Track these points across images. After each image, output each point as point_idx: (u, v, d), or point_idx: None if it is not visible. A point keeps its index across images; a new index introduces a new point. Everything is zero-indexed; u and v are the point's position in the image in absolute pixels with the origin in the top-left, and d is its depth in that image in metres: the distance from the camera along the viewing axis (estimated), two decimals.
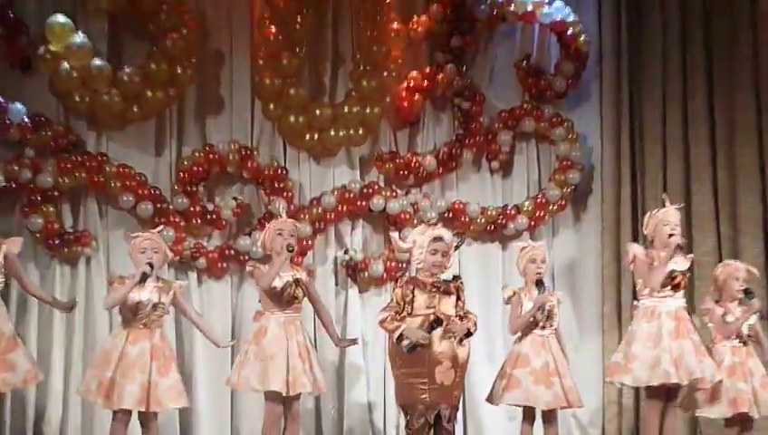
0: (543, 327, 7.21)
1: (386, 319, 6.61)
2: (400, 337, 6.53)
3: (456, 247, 6.87)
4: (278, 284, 6.90)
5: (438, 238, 6.69)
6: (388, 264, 8.73)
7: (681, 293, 7.16)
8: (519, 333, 7.24)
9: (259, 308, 7.08)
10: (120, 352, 6.73)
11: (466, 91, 9.12)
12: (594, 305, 9.12)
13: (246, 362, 6.97)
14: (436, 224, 7.29)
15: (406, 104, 9.00)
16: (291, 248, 6.92)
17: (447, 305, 6.65)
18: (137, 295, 6.75)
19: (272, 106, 8.70)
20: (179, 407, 7.00)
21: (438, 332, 6.52)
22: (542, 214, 9.15)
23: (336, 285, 8.78)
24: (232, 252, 8.61)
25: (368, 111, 8.76)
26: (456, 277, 6.78)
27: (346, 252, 8.81)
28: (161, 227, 7.45)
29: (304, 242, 8.47)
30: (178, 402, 6.88)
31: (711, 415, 7.46)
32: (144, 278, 6.76)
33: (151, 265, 6.84)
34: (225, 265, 8.62)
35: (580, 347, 8.82)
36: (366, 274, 8.77)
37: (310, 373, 6.95)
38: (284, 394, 6.84)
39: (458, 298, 6.69)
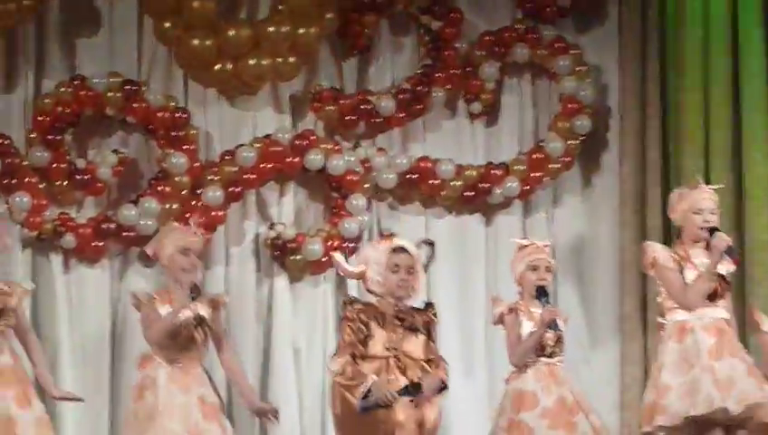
0: (551, 354, 6.36)
1: (344, 370, 5.75)
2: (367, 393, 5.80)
3: (427, 262, 6.11)
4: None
5: (399, 249, 5.89)
6: (330, 243, 7.58)
7: (723, 301, 6.31)
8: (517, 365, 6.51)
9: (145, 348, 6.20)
10: None
11: (437, 5, 8.08)
12: (610, 302, 8.14)
13: (129, 424, 6.18)
14: (392, 235, 6.39)
15: (353, 23, 7.94)
16: (194, 294, 6.10)
17: (413, 346, 5.82)
18: None
19: (167, 24, 7.50)
20: None
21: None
22: (539, 175, 8.09)
23: (258, 271, 7.74)
24: (112, 226, 7.42)
25: (301, 31, 7.58)
26: (428, 305, 6.01)
27: (272, 226, 7.70)
28: None
29: (213, 213, 7.32)
30: None
31: None
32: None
33: None
34: (101, 243, 7.43)
35: (591, 359, 7.87)
36: (299, 256, 7.66)
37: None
38: None
39: (429, 337, 5.90)
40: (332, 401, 5.90)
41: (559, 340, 6.37)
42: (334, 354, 5.87)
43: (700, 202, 6.40)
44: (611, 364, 7.92)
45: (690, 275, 6.29)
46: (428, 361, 5.81)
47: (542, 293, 6.39)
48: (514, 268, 6.54)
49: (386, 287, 5.87)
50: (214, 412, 6.18)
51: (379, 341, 5.83)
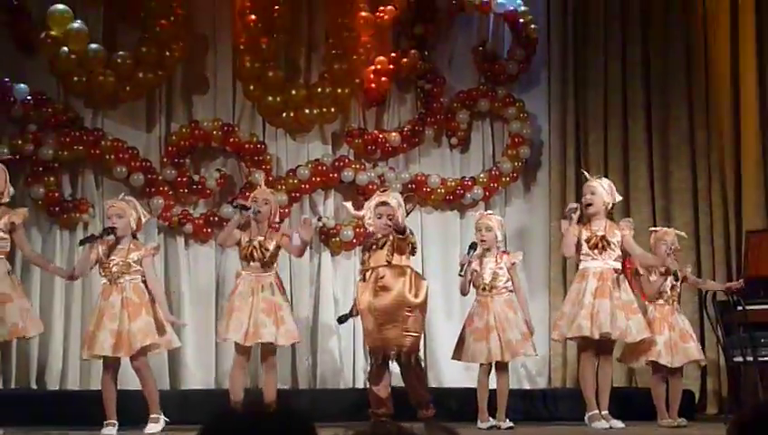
0: (485, 289, 7.62)
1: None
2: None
3: (407, 212, 7.14)
4: (242, 243, 7.32)
5: (382, 203, 7.00)
6: (358, 230, 9.15)
7: (608, 254, 7.47)
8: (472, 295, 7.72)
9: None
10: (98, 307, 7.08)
11: (428, 73, 9.57)
12: (542, 268, 9.60)
13: (222, 316, 7.52)
14: (385, 191, 7.47)
15: (373, 85, 9.42)
16: (236, 205, 7.33)
17: (378, 257, 7.02)
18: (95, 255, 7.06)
19: (252, 87, 9.16)
20: (150, 344, 7.07)
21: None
22: (495, 185, 9.61)
23: (311, 248, 9.05)
24: (216, 218, 9.03)
25: (339, 91, 9.20)
26: (403, 232, 6.95)
27: (319, 219, 9.17)
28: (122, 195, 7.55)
29: (282, 210, 8.67)
30: (150, 340, 7.02)
31: (636, 365, 8.10)
32: (106, 235, 7.01)
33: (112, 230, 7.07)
34: (209, 230, 9.05)
35: (531, 305, 8.73)
36: (337, 239, 9.23)
37: (275, 327, 7.24)
38: (242, 344, 7.22)
39: (394, 249, 6.97)
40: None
41: (493, 278, 7.50)
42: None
43: (588, 188, 7.63)
44: (543, 309, 9.31)
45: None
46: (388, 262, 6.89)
47: (472, 246, 7.49)
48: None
49: (375, 228, 7.05)
50: (273, 308, 7.18)
51: (372, 258, 7.06)
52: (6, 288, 7.04)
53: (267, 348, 7.38)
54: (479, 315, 7.63)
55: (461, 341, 7.70)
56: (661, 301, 7.91)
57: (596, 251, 7.52)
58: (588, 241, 7.53)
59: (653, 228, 8.36)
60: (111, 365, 7.11)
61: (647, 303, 7.91)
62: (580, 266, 7.64)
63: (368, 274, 7.07)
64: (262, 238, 7.29)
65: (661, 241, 7.98)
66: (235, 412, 2.26)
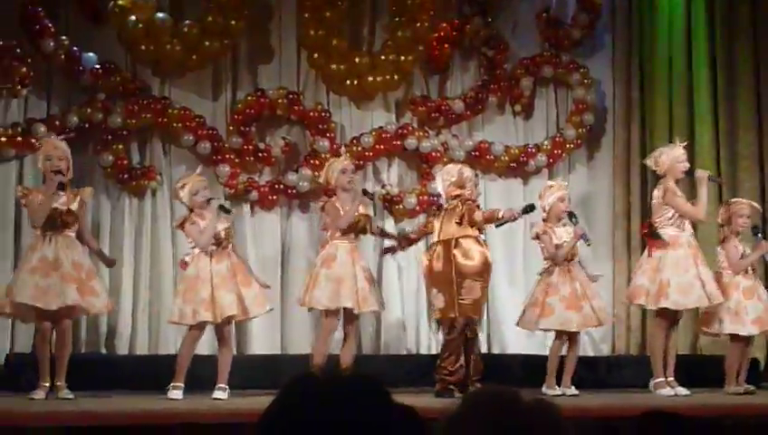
0: (569, 259, 7.80)
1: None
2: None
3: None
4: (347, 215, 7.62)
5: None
6: (421, 198, 9.28)
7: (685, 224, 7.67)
8: (547, 264, 7.86)
9: (319, 235, 7.80)
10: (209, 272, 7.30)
11: (491, 40, 9.59)
12: (606, 236, 9.61)
13: (317, 284, 7.55)
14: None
15: (437, 53, 9.44)
16: (371, 196, 7.81)
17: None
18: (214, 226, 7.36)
19: (316, 55, 9.23)
20: (268, 311, 7.55)
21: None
22: (559, 152, 9.67)
23: (374, 215, 8.83)
24: (281, 186, 9.18)
25: (402, 59, 9.24)
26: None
27: (383, 187, 9.34)
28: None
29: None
30: (266, 307, 7.48)
31: (720, 330, 8.00)
32: (225, 210, 7.39)
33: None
34: (274, 197, 9.18)
35: (594, 270, 8.83)
36: (401, 206, 9.35)
37: (375, 294, 7.63)
38: (356, 311, 7.53)
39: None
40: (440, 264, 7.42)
41: (573, 247, 7.71)
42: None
43: (681, 157, 7.67)
44: (607, 277, 9.10)
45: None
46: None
47: (572, 215, 7.72)
48: (545, 200, 7.84)
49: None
50: (370, 276, 7.64)
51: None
52: (90, 264, 7.34)
53: (351, 314, 7.59)
54: (564, 283, 7.71)
55: (543, 309, 7.76)
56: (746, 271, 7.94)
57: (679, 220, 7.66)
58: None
59: (732, 200, 8.34)
60: (201, 331, 7.39)
61: (728, 272, 7.88)
62: (669, 234, 7.63)
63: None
64: (367, 213, 7.69)
65: (736, 215, 7.98)
66: (313, 377, 2.30)
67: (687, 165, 7.76)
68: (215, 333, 7.56)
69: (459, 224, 7.48)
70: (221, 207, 7.36)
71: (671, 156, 7.74)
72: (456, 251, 7.44)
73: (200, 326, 7.35)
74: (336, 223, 7.60)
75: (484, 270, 7.49)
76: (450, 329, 7.51)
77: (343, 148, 8.67)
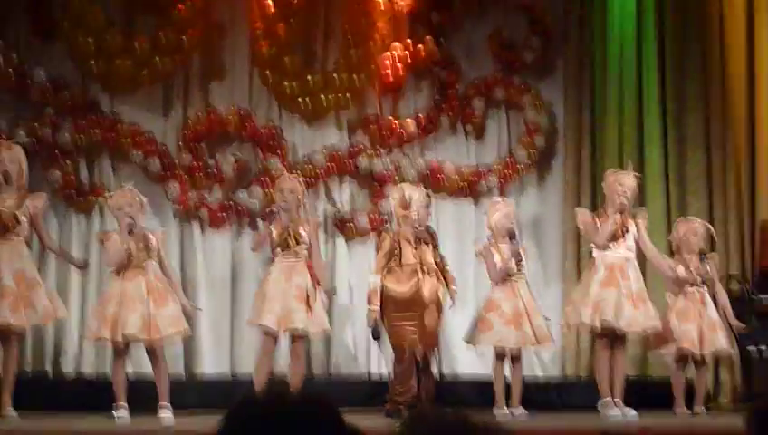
0: (510, 274, 7.87)
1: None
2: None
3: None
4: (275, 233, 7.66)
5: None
6: (372, 216, 9.25)
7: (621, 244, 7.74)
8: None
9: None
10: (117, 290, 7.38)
11: (444, 61, 9.55)
12: (556, 257, 9.55)
13: (253, 300, 7.73)
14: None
15: (389, 72, 9.38)
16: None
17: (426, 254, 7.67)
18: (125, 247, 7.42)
19: (268, 73, 9.17)
20: (177, 332, 7.49)
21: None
22: (510, 173, 9.61)
23: (325, 233, 9.20)
24: (231, 204, 9.11)
25: (355, 78, 9.20)
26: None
27: (334, 206, 9.31)
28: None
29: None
30: (180, 328, 7.46)
31: (666, 352, 8.15)
32: (130, 230, 7.45)
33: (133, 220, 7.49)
34: (225, 215, 9.11)
35: (544, 294, 9.19)
36: (352, 225, 9.29)
37: (307, 314, 7.52)
38: (275, 329, 7.50)
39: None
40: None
41: (519, 263, 7.79)
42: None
43: (623, 178, 7.84)
44: (557, 298, 9.21)
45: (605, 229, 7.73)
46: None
47: (513, 234, 7.75)
48: (491, 218, 7.90)
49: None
50: (304, 296, 7.51)
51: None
52: (33, 272, 7.26)
53: (298, 335, 7.61)
54: (506, 300, 7.75)
55: (483, 325, 7.82)
56: (692, 289, 7.98)
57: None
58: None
59: (684, 218, 8.46)
60: (125, 349, 7.52)
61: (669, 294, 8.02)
62: (594, 255, 7.85)
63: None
64: (294, 226, 7.65)
65: (691, 233, 8.09)
66: (260, 399, 2.29)
67: (624, 194, 7.88)
68: (146, 353, 7.53)
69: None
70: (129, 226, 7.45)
71: (614, 177, 7.99)
72: (385, 282, 7.64)
73: (118, 345, 7.44)
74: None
75: (413, 302, 7.51)
76: (400, 357, 7.55)
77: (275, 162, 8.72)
